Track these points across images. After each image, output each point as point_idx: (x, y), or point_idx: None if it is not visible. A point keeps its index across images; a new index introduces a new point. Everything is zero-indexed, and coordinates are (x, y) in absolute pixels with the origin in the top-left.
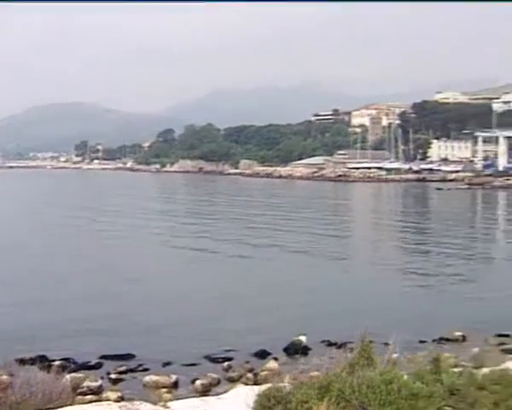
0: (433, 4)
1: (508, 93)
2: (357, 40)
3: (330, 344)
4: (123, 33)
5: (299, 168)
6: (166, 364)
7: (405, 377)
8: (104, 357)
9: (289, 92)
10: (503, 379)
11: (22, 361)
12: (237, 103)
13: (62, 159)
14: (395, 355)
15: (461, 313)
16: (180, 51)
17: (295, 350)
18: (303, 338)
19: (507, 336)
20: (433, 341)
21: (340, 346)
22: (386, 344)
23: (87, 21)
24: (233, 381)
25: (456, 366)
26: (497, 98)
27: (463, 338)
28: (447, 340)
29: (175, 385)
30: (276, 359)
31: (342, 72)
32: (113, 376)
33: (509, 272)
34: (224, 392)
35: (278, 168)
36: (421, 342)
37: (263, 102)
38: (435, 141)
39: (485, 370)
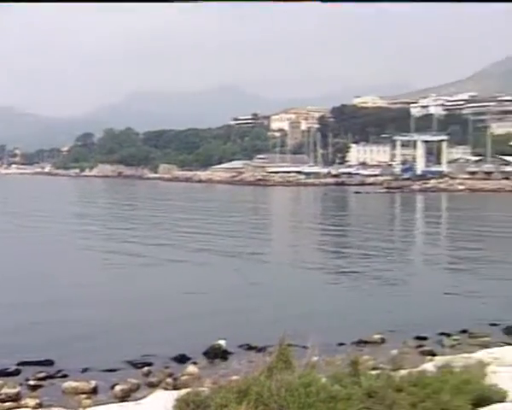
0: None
1: (425, 97)
2: (271, 43)
3: (250, 348)
4: (39, 34)
5: (218, 172)
6: (86, 369)
7: (324, 380)
8: (23, 364)
9: (209, 96)
10: (420, 381)
11: None
12: (158, 107)
13: None
14: (314, 358)
15: (380, 316)
16: (100, 53)
17: (215, 354)
18: (222, 342)
19: (425, 338)
20: (352, 343)
21: (259, 350)
22: (306, 347)
23: None
24: (153, 386)
25: (374, 368)
26: (415, 103)
27: (382, 341)
28: (366, 343)
29: (94, 391)
30: (195, 363)
31: (261, 76)
32: (31, 382)
33: (427, 275)
34: (143, 397)
35: (198, 172)
36: (340, 344)
37: (183, 105)
38: (354, 145)
39: (402, 372)
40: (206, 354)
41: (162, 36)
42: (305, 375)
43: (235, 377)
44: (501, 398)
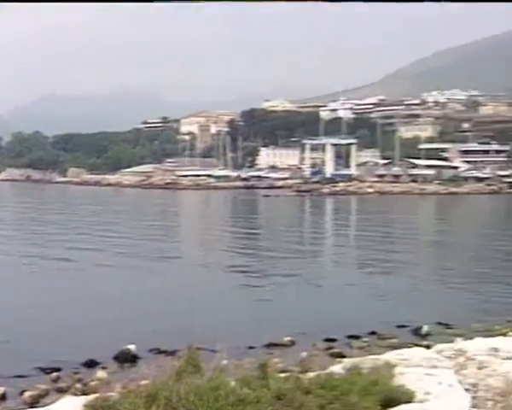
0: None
1: (335, 101)
2: (185, 47)
3: (159, 352)
4: None
5: (127, 176)
6: None
7: (233, 383)
8: None
9: (121, 99)
10: (328, 383)
11: None
12: (68, 110)
13: None
14: (224, 362)
15: (291, 318)
16: (7, 55)
17: (124, 359)
18: (132, 347)
19: (334, 340)
20: (263, 346)
21: (169, 354)
22: (215, 351)
23: None
24: (62, 391)
25: (283, 371)
26: (325, 106)
27: (292, 343)
28: (276, 345)
29: (3, 397)
30: (105, 368)
31: (172, 79)
32: None
33: (337, 277)
34: (52, 403)
35: (107, 176)
36: (251, 347)
37: (93, 108)
38: (263, 148)
39: (311, 374)
40: (115, 358)
41: (72, 37)
42: (213, 379)
43: (144, 382)
44: (408, 399)
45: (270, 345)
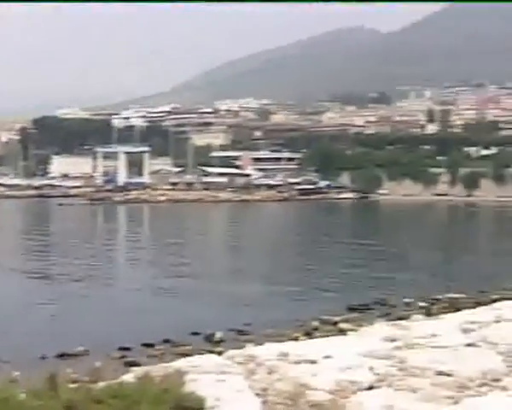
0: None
1: (127, 109)
2: None
3: None
4: None
5: None
6: None
7: (23, 395)
8: None
9: None
10: (120, 392)
11: None
12: None
13: None
14: (15, 373)
15: (86, 327)
16: None
17: None
18: None
19: (128, 349)
20: (55, 357)
21: None
22: (5, 362)
23: None
24: None
25: (75, 381)
26: (118, 114)
27: (85, 353)
28: (69, 355)
29: None
30: None
31: None
32: None
33: (132, 285)
34: None
35: None
36: (42, 358)
37: None
38: (56, 156)
39: (103, 384)
40: None
41: None
42: (2, 391)
43: None
44: (199, 405)
45: (62, 355)
